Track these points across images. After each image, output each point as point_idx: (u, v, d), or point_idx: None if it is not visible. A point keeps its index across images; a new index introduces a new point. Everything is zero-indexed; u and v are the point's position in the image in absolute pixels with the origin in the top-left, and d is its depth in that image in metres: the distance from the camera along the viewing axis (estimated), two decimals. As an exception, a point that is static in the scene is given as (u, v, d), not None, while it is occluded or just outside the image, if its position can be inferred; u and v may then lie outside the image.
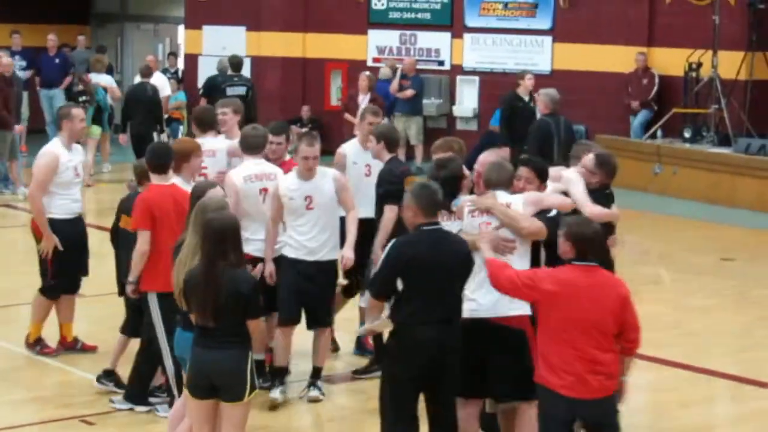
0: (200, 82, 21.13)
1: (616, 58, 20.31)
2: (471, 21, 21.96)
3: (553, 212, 7.63)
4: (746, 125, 18.94)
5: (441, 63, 22.32)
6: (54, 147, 10.01)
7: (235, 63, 19.29)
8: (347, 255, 9.11)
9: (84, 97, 18.97)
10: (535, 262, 7.59)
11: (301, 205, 8.94)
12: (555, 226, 7.31)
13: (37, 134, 20.31)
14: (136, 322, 8.96)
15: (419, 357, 7.10)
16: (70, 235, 9.93)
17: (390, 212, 9.14)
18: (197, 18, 24.13)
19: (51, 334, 10.24)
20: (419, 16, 22.49)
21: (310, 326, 9.21)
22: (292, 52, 23.36)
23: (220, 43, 22.95)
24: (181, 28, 25.71)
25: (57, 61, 21.89)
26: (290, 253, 9.03)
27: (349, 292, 10.09)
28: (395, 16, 22.70)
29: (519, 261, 7.40)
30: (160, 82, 19.52)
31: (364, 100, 18.48)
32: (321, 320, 9.17)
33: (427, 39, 22.40)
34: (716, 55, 18.84)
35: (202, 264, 6.81)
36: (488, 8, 21.81)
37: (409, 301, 7.11)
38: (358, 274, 9.72)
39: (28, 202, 10.11)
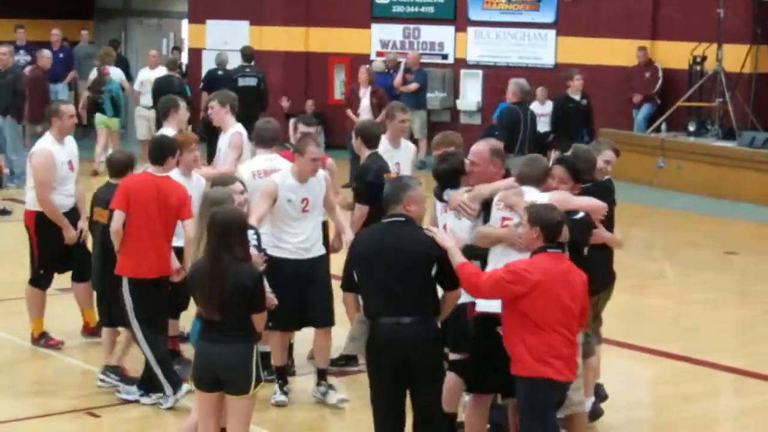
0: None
1: (620, 52, 20.30)
2: (474, 14, 21.97)
3: (580, 214, 7.46)
4: (751, 119, 18.93)
5: (444, 57, 22.33)
6: (46, 143, 10.08)
7: (247, 54, 19.36)
8: (349, 237, 8.91)
9: (105, 88, 19.17)
10: None
11: (299, 207, 8.75)
12: (578, 228, 7.24)
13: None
14: (110, 311, 9.06)
15: (378, 351, 7.03)
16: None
17: (358, 211, 9.23)
18: (200, 12, 24.16)
19: (55, 327, 10.28)
20: (422, 9, 22.50)
21: (310, 325, 9.03)
22: (295, 47, 23.38)
23: (223, 38, 22.97)
24: (184, 22, 25.73)
25: (61, 56, 21.92)
26: (282, 254, 8.73)
27: None
28: (398, 10, 22.71)
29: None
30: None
31: (365, 93, 18.55)
32: (322, 320, 8.92)
33: (431, 33, 22.41)
34: (720, 48, 18.82)
35: (207, 258, 6.83)
36: (492, 2, 21.81)
37: (365, 296, 7.08)
38: None
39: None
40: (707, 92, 19.23)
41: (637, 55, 20.02)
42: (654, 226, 16.16)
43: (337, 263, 8.02)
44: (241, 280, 6.75)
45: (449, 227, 7.79)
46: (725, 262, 14.53)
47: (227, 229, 6.80)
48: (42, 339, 10.19)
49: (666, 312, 12.18)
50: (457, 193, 7.61)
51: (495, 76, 21.18)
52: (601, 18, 20.68)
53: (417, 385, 7.04)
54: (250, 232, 7.72)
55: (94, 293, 9.66)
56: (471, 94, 22.02)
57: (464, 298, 7.27)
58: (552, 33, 21.32)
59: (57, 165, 9.95)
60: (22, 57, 20.98)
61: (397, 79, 20.51)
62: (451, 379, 7.99)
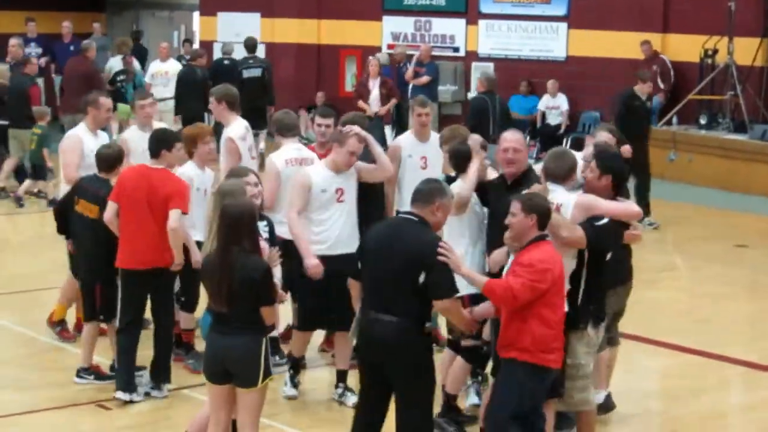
0: (216, 69, 21.17)
1: (631, 45, 20.24)
2: (486, 7, 21.94)
3: (604, 220, 7.23)
4: (762, 112, 18.89)
5: (456, 50, 22.31)
6: (79, 131, 10.15)
7: (250, 45, 19.32)
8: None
9: (122, 77, 19.16)
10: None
11: (332, 197, 8.68)
12: (600, 235, 7.14)
13: (52, 121, 20.31)
14: (93, 305, 9.07)
15: (358, 344, 7.03)
16: None
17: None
18: (212, 4, 24.18)
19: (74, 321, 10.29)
20: (434, 2, 22.48)
21: (332, 329, 8.98)
22: (306, 39, 23.38)
23: (235, 30, 22.97)
24: (196, 14, 25.75)
25: (72, 48, 21.92)
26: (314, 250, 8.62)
27: None
28: (410, 3, 22.70)
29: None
30: (175, 68, 19.59)
31: (374, 84, 18.59)
32: (345, 323, 8.43)
33: (442, 25, 22.39)
34: (732, 41, 18.77)
35: (218, 249, 6.85)
36: (503, -6, 21.80)
37: (362, 287, 7.08)
38: None
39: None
40: (718, 85, 19.18)
41: (641, 49, 19.92)
42: (665, 219, 16.13)
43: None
44: (249, 273, 6.74)
45: None
46: (736, 256, 14.52)
47: (238, 221, 6.81)
48: (57, 326, 10.20)
49: (677, 305, 12.18)
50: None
51: (506, 69, 21.17)
52: (612, 11, 20.64)
53: (395, 386, 6.91)
54: (263, 224, 7.75)
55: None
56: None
57: (465, 290, 7.31)
58: (563, 26, 21.28)
59: (85, 152, 9.96)
60: (33, 49, 20.99)
61: (409, 72, 20.51)
62: (457, 363, 8.05)
